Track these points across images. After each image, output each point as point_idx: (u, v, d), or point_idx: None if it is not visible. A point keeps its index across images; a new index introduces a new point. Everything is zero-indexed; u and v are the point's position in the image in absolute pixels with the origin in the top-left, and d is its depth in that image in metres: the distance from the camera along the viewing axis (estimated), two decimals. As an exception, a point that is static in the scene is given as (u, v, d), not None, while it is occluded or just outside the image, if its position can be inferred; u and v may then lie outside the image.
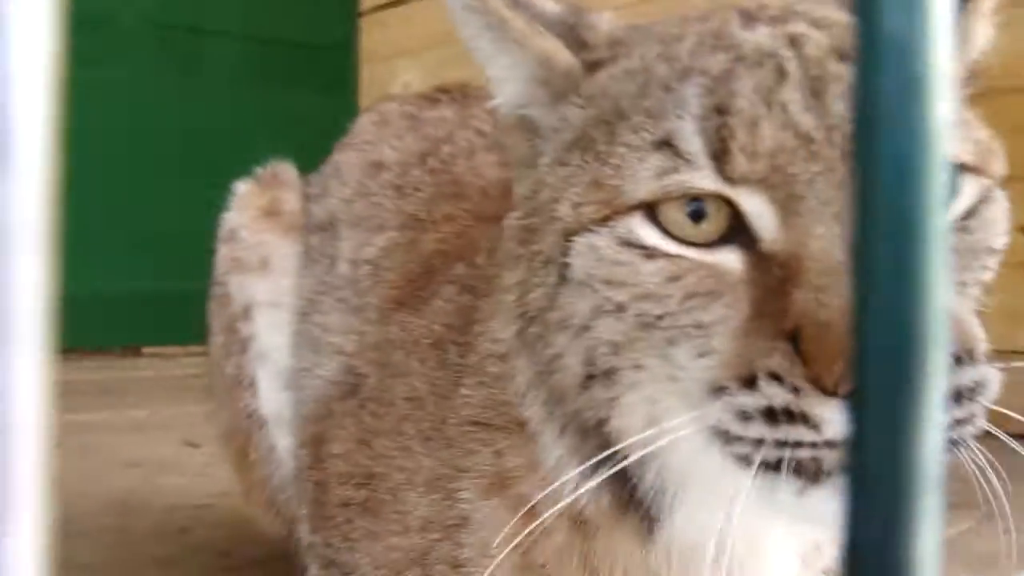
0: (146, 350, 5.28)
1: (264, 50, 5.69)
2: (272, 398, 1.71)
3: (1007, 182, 3.66)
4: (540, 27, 1.06)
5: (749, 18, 1.03)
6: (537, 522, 1.09)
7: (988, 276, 0.99)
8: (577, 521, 1.12)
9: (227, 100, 5.50)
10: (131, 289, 5.17)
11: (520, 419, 1.14)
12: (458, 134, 1.70)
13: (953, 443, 0.89)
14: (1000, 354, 3.35)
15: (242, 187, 1.84)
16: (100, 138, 4.96)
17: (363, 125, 1.88)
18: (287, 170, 1.91)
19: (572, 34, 1.07)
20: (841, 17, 1.02)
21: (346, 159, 1.81)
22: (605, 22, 1.10)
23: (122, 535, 2.20)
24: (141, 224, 5.21)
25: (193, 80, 5.47)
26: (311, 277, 1.72)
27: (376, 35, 5.94)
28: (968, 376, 0.89)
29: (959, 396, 0.88)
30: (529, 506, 1.12)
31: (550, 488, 1.09)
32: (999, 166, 1.02)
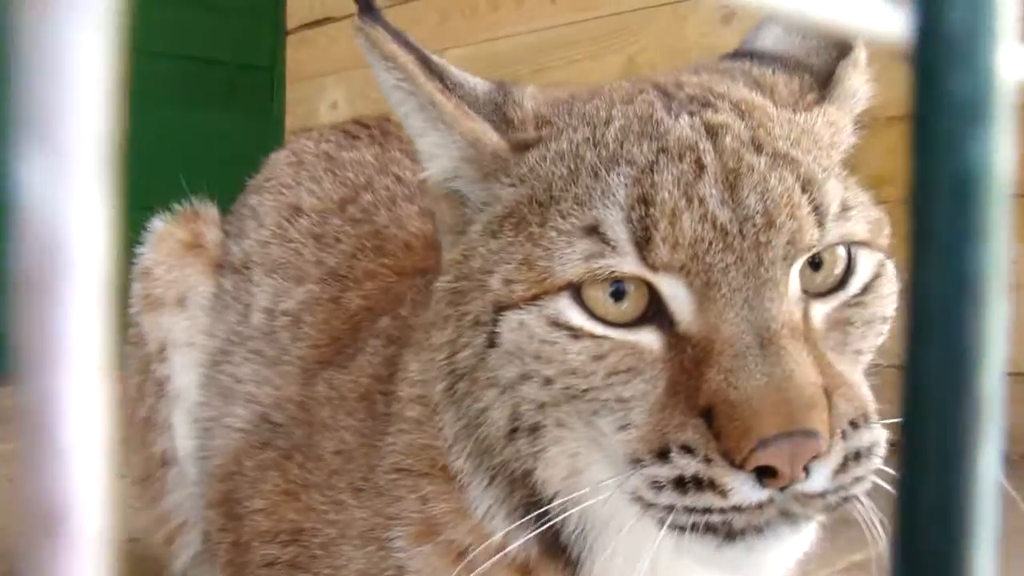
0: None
1: (188, 68, 5.59)
2: (187, 438, 1.68)
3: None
4: (468, 109, 1.10)
5: (669, 101, 1.08)
6: (477, 570, 1.13)
7: (881, 341, 1.06)
8: (514, 567, 1.14)
9: (150, 118, 5.38)
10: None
11: (442, 463, 1.16)
12: (378, 180, 1.69)
13: (846, 500, 0.96)
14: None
15: (159, 224, 1.79)
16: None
17: (278, 165, 1.84)
18: (208, 208, 1.86)
19: (499, 113, 1.11)
20: (759, 100, 1.09)
21: (262, 201, 1.77)
22: (529, 98, 1.13)
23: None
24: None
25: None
26: (223, 324, 1.67)
27: (303, 54, 5.87)
28: (866, 438, 0.96)
29: (857, 456, 0.94)
30: (460, 553, 1.16)
31: (483, 536, 1.13)
32: (886, 238, 1.10)
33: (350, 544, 1.25)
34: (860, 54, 1.18)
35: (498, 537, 1.11)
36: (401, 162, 1.70)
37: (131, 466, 1.79)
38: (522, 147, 1.09)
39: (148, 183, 5.76)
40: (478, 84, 1.13)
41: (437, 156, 1.13)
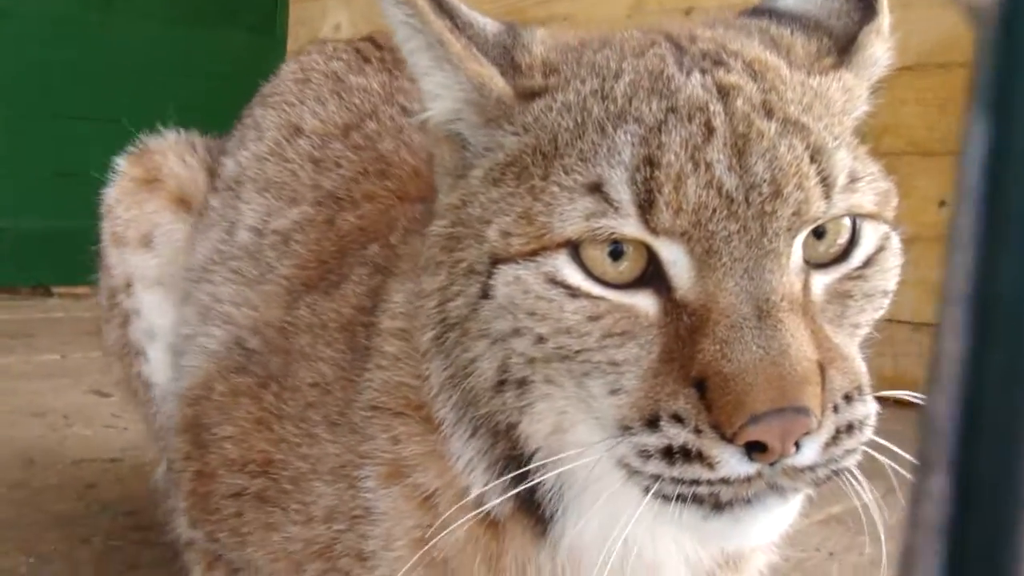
0: (56, 290, 5.12)
1: (190, -14, 5.51)
2: (162, 368, 1.71)
3: (930, 157, 3.65)
4: (476, 51, 1.07)
5: (681, 56, 1.05)
6: (441, 519, 1.12)
7: (880, 315, 1.06)
8: (482, 519, 1.13)
9: (152, 37, 5.31)
10: (41, 227, 5.00)
11: (417, 403, 1.15)
12: (383, 110, 1.66)
13: (836, 473, 0.96)
14: (915, 326, 3.38)
15: (120, 162, 1.81)
16: (16, 74, 4.77)
17: (285, 79, 1.81)
18: (160, 138, 1.86)
19: (507, 56, 1.09)
20: (773, 60, 1.06)
21: (265, 114, 1.75)
22: (539, 43, 1.10)
23: (24, 490, 2.13)
24: (53, 161, 5.03)
25: (117, 17, 5.26)
26: (206, 241, 1.66)
27: (306, -26, 5.78)
28: (858, 412, 0.96)
29: (849, 429, 0.94)
30: (427, 497, 1.14)
31: (451, 482, 1.12)
32: (893, 210, 1.08)
33: (321, 480, 1.23)
34: (884, 20, 1.15)
35: (474, 491, 1.10)
36: (409, 93, 1.66)
37: (113, 373, 1.84)
38: (528, 95, 1.06)
39: (148, 101, 5.69)
40: (488, 25, 1.10)
41: (441, 96, 1.10)
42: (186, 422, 1.43)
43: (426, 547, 1.13)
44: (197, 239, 1.70)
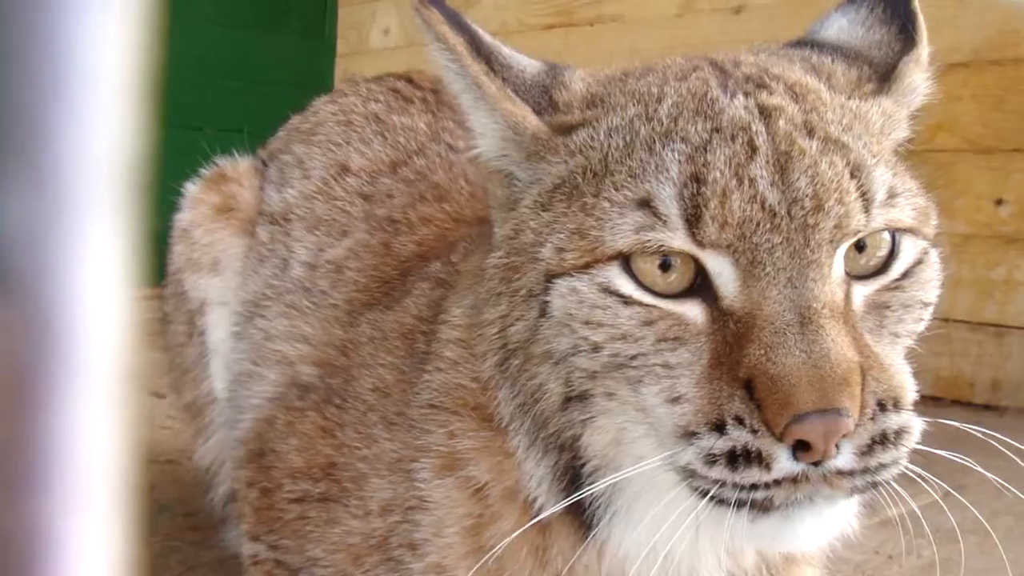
0: (113, 293, 5.20)
1: (240, -10, 5.57)
2: (221, 384, 1.78)
3: (987, 155, 3.62)
4: (511, 91, 1.13)
5: (725, 79, 1.10)
6: (492, 509, 1.19)
7: (922, 326, 1.09)
8: (530, 514, 1.18)
9: (201, 38, 5.38)
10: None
11: (474, 403, 1.21)
12: (430, 147, 1.73)
13: (874, 485, 0.99)
14: (972, 326, 3.34)
15: (191, 187, 1.87)
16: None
17: (325, 120, 1.87)
18: (237, 163, 1.92)
19: (546, 95, 1.15)
20: (814, 84, 1.11)
21: (309, 154, 1.81)
22: (579, 80, 1.16)
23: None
24: (110, 165, 5.11)
25: (169, 21, 5.33)
26: (258, 277, 1.72)
27: (355, -22, 5.82)
28: (893, 422, 0.98)
29: (884, 440, 0.97)
30: (478, 489, 1.20)
31: (502, 475, 1.18)
32: (933, 227, 1.12)
33: (378, 476, 1.29)
34: (923, 51, 1.19)
35: (537, 501, 1.15)
36: (454, 132, 1.74)
37: (181, 395, 1.90)
38: (566, 129, 1.11)
39: (198, 104, 5.76)
40: (528, 67, 1.16)
41: (484, 134, 1.16)
42: (248, 455, 1.49)
43: (475, 536, 1.19)
44: (248, 274, 1.76)
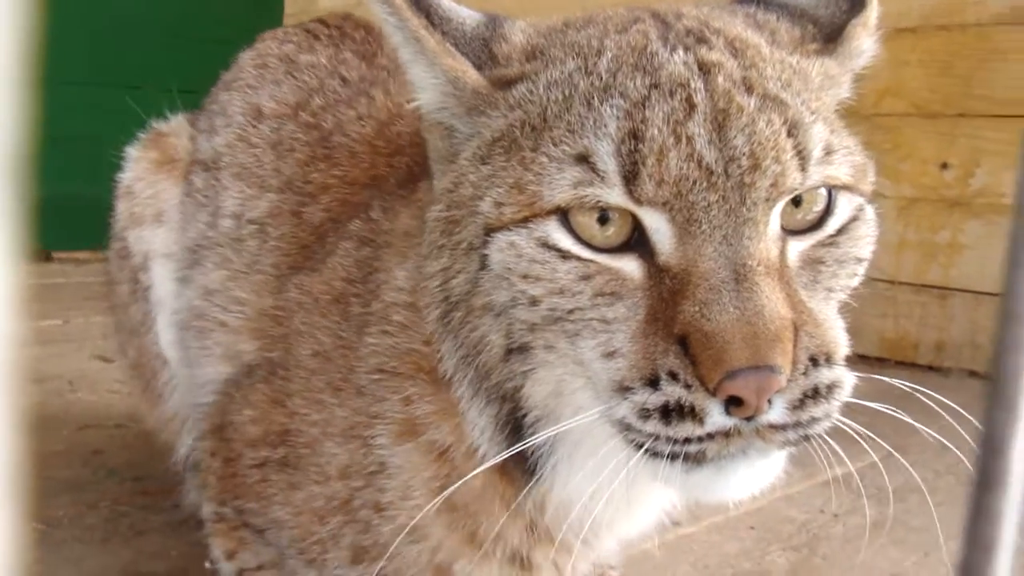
0: (57, 255, 5.12)
1: (186, -50, 5.46)
2: (169, 340, 1.78)
3: (933, 119, 3.64)
4: (450, 46, 1.12)
5: (666, 32, 1.10)
6: (458, 469, 1.21)
7: (856, 282, 1.10)
8: (497, 467, 1.19)
9: (148, 2, 5.28)
10: (42, 192, 4.98)
11: (428, 367, 1.21)
12: (327, 83, 1.75)
13: (806, 438, 1.01)
14: (916, 288, 3.39)
15: (131, 150, 1.87)
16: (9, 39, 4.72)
17: (244, 65, 1.89)
18: (172, 121, 1.94)
19: (485, 48, 1.14)
20: (755, 39, 1.11)
21: (230, 99, 1.83)
22: (519, 32, 1.16)
23: (31, 457, 2.13)
24: (51, 126, 5.01)
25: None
26: (196, 223, 1.73)
27: (303, -64, 5.73)
28: (825, 377, 0.99)
29: (816, 395, 0.98)
30: (442, 452, 1.22)
31: (463, 436, 1.20)
32: (870, 184, 1.13)
33: (332, 441, 1.30)
34: (872, 14, 1.19)
35: (481, 451, 1.17)
36: (349, 62, 1.77)
37: (126, 356, 1.90)
38: (504, 83, 1.11)
39: (141, 64, 5.64)
40: (468, 19, 1.15)
41: (424, 88, 1.16)
42: (210, 427, 1.50)
43: (445, 494, 1.20)
44: (187, 219, 1.77)
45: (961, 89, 3.54)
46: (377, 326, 1.27)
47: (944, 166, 3.61)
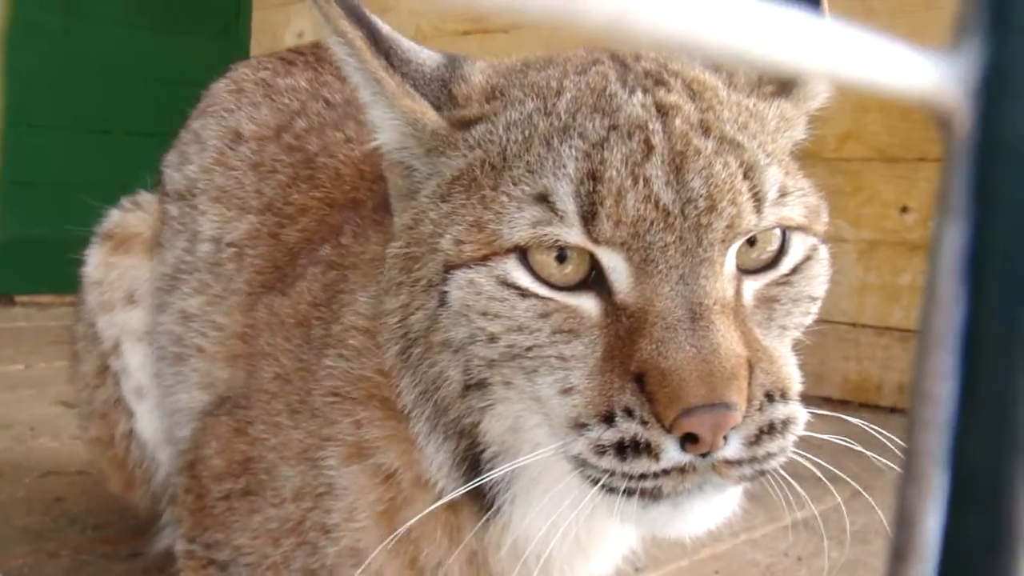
0: (20, 299, 5.08)
1: (153, -9, 5.47)
2: (151, 425, 1.76)
3: (893, 163, 3.70)
4: (409, 88, 1.13)
5: (625, 74, 1.12)
6: (404, 494, 1.22)
7: (809, 320, 1.12)
8: (434, 484, 1.20)
9: (113, 43, 5.28)
10: (4, 236, 4.95)
11: (380, 395, 1.23)
12: (310, 105, 1.74)
13: (762, 473, 1.02)
14: (879, 330, 3.43)
15: (94, 250, 1.83)
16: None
17: (218, 92, 1.87)
18: (133, 200, 1.90)
19: (444, 90, 1.15)
20: (712, 81, 1.13)
21: (204, 125, 1.81)
22: (478, 73, 1.17)
23: (-9, 504, 2.10)
24: (15, 170, 4.98)
25: (78, 21, 5.22)
26: (173, 250, 1.71)
27: (270, -19, 5.76)
28: (780, 413, 1.01)
29: (772, 430, 1.00)
30: (388, 476, 1.23)
31: (411, 462, 1.21)
32: (823, 225, 1.15)
33: (287, 464, 1.31)
34: None
35: (439, 485, 1.18)
36: (331, 85, 1.76)
37: (88, 431, 1.89)
38: (464, 124, 1.13)
39: (108, 107, 5.62)
40: (427, 60, 1.16)
41: (383, 128, 1.17)
42: (185, 463, 1.50)
43: (389, 519, 1.22)
44: (164, 248, 1.74)
45: (920, 133, 3.60)
46: (335, 349, 1.28)
47: (904, 209, 3.66)
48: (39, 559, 1.89)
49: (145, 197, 1.89)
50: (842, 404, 3.55)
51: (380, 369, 1.22)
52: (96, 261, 1.81)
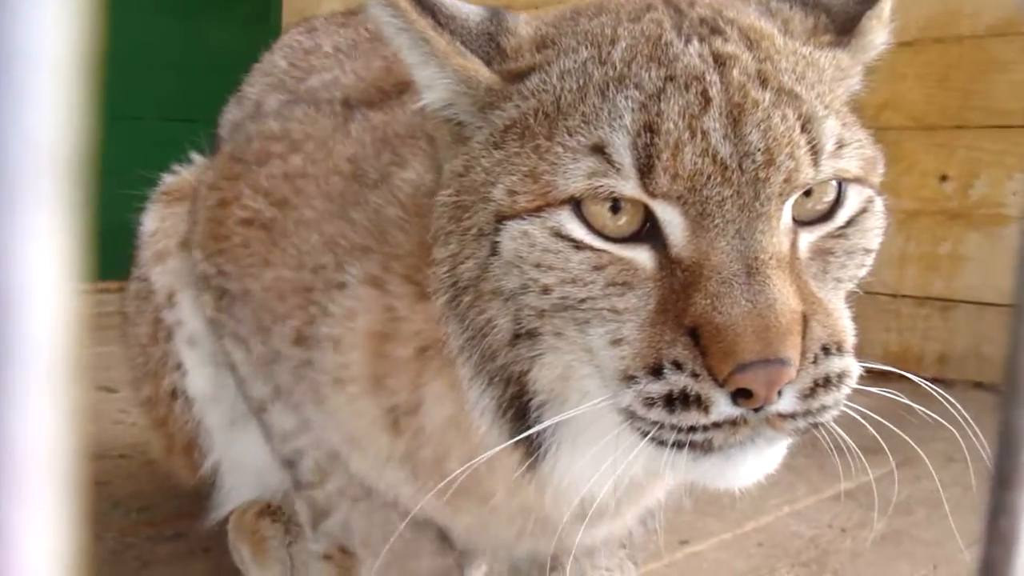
0: (60, 287, 5.13)
1: (183, -23, 5.50)
2: (201, 379, 1.77)
3: (931, 132, 3.65)
4: (460, 45, 1.12)
5: (680, 21, 1.10)
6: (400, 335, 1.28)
7: (864, 272, 1.11)
8: (424, 347, 1.26)
9: (144, 26, 5.31)
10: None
11: (417, 283, 1.25)
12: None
13: (815, 426, 1.01)
14: (919, 300, 3.38)
15: (149, 207, 1.86)
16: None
17: (288, 34, 1.90)
18: (181, 169, 1.92)
19: (492, 43, 1.14)
20: (768, 29, 1.11)
21: (271, 59, 1.81)
22: (525, 25, 1.16)
23: (36, 489, 2.13)
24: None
25: (107, 9, 5.24)
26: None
27: (299, -35, 5.77)
28: (836, 366, 1.00)
29: (827, 383, 0.99)
30: (395, 317, 1.27)
31: (435, 328, 1.21)
32: (879, 176, 1.14)
33: (317, 236, 1.35)
34: (886, 5, 1.19)
35: (482, 430, 1.18)
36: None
37: (141, 390, 1.89)
38: (516, 76, 1.11)
39: (141, 94, 5.65)
40: (471, 15, 1.15)
41: (432, 87, 1.15)
42: (224, 156, 1.53)
43: (381, 341, 1.28)
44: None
45: (959, 101, 3.55)
46: (384, 198, 1.32)
47: (944, 178, 3.62)
48: (84, 541, 1.91)
49: (197, 158, 1.90)
50: (882, 375, 3.52)
51: (403, 245, 1.26)
52: (152, 217, 1.83)
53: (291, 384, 1.41)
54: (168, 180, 1.89)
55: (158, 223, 1.81)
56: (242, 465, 1.82)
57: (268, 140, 1.49)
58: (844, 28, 1.17)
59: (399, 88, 1.47)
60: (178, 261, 1.77)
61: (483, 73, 1.12)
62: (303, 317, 1.34)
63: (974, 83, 3.53)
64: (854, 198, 1.08)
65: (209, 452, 1.82)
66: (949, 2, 3.55)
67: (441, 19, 1.12)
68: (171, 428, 1.83)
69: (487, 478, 1.27)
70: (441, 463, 1.29)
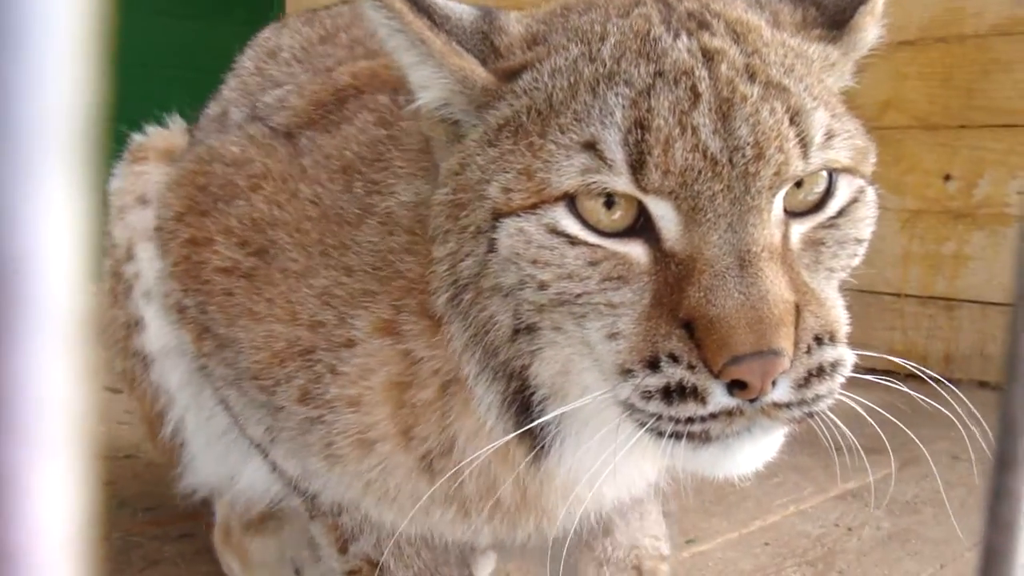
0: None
1: (186, -22, 5.51)
2: (159, 333, 1.72)
3: (934, 131, 3.64)
4: (456, 45, 1.13)
5: (668, 15, 1.11)
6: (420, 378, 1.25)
7: (856, 261, 1.12)
8: (447, 383, 1.25)
9: (144, 27, 5.31)
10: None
11: (417, 297, 1.23)
12: (356, 24, 1.68)
13: (810, 415, 1.03)
14: (923, 300, 3.38)
15: (116, 171, 1.85)
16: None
17: (259, 34, 1.87)
18: (152, 130, 1.92)
19: (486, 42, 1.15)
20: (755, 21, 1.12)
21: (240, 60, 1.81)
22: (516, 23, 1.17)
23: (42, 489, 2.13)
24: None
25: (113, 11, 5.24)
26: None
27: (302, -35, 5.78)
28: (829, 355, 1.01)
29: (820, 372, 1.00)
30: (413, 363, 1.25)
31: (437, 357, 1.22)
32: (870, 166, 1.14)
33: (309, 289, 1.30)
34: (879, 0, 1.19)
35: (488, 425, 1.20)
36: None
37: (117, 372, 1.85)
38: (509, 75, 1.12)
39: (144, 96, 5.67)
40: (464, 14, 1.16)
41: (429, 88, 1.16)
42: (185, 178, 1.47)
43: (400, 392, 1.26)
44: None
45: (962, 100, 3.55)
46: (380, 227, 1.28)
47: (947, 178, 3.62)
48: (90, 541, 1.92)
49: (170, 121, 1.91)
50: (887, 375, 3.52)
51: (418, 274, 1.23)
52: (118, 176, 1.82)
53: (296, 435, 1.37)
54: (137, 139, 1.88)
55: (121, 181, 1.80)
56: (207, 430, 1.76)
57: (230, 167, 1.45)
58: (836, 23, 1.17)
59: (339, 97, 1.47)
60: (135, 215, 1.75)
61: (479, 72, 1.13)
62: (308, 376, 1.32)
63: (977, 82, 3.53)
64: (845, 188, 1.09)
65: (168, 412, 1.78)
66: (952, 1, 3.55)
67: (437, 19, 1.13)
68: (145, 406, 1.80)
69: (542, 490, 1.29)
70: (492, 491, 1.30)
